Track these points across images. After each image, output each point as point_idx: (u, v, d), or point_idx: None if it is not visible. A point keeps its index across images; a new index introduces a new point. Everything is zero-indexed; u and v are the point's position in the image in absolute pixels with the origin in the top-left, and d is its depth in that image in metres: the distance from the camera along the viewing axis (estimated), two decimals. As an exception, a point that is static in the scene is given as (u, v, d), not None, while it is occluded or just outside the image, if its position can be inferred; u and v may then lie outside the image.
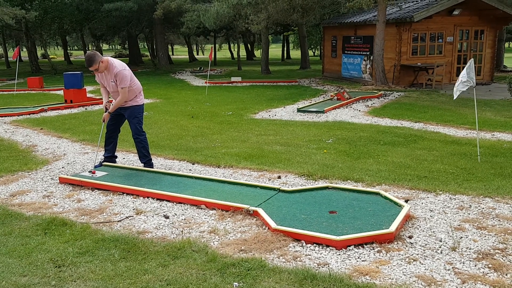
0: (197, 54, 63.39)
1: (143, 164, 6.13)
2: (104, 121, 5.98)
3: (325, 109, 10.86)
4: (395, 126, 8.95)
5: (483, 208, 4.47)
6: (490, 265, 3.33)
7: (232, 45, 52.72)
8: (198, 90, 16.72)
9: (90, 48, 62.29)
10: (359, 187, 5.15)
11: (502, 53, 23.81)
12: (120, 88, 5.73)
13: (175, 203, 4.78)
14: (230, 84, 18.87)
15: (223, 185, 5.26)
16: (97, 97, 14.07)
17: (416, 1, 17.67)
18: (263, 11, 17.22)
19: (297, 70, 27.57)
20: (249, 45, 47.26)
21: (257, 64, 32.33)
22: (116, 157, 6.43)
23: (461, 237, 3.82)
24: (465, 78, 6.09)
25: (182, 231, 4.06)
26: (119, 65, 5.77)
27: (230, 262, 3.41)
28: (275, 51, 56.44)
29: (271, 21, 18.75)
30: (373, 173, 5.72)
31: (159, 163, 6.46)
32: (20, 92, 16.78)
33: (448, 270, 3.28)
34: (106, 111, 5.93)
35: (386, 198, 4.62)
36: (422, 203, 4.65)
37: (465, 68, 6.18)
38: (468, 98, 12.02)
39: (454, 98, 6.32)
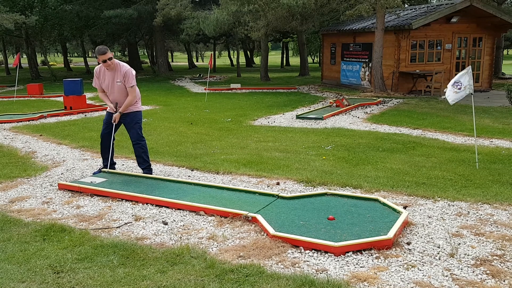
0: (197, 61, 63.57)
1: (142, 170, 6.14)
2: (115, 121, 5.89)
3: (324, 116, 10.89)
4: (393, 132, 8.98)
5: (481, 215, 4.48)
6: (488, 272, 3.33)
7: (231, 52, 52.90)
8: (198, 96, 16.76)
9: (90, 55, 62.39)
10: (358, 193, 5.16)
11: (501, 60, 23.92)
12: (129, 87, 5.74)
13: (174, 209, 4.78)
14: (230, 91, 18.91)
15: (222, 191, 5.27)
16: (97, 104, 14.10)
17: (415, 9, 17.79)
18: (263, 18, 17.30)
19: (296, 77, 27.65)
20: (248, 52, 47.42)
21: (257, 71, 32.43)
22: (115, 163, 6.44)
23: (459, 244, 3.83)
24: (460, 85, 6.11)
25: (180, 237, 4.06)
26: (126, 64, 5.82)
27: (229, 268, 3.41)
28: (274, 58, 56.62)
29: (270, 28, 18.83)
30: (371, 179, 5.73)
31: (158, 169, 6.47)
32: (20, 98, 16.81)
33: (446, 276, 3.29)
34: (115, 112, 5.88)
35: (384, 204, 4.63)
36: (421, 210, 4.66)
37: (458, 74, 6.22)
38: (466, 105, 12.06)
39: (451, 103, 6.32)
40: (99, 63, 5.84)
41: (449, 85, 6.24)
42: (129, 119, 6.00)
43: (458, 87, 6.15)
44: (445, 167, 6.29)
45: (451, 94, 6.20)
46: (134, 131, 6.02)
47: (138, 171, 6.32)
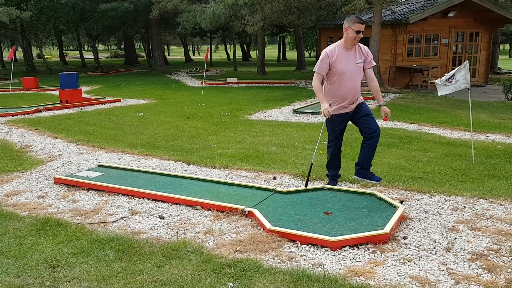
0: (193, 55, 63.34)
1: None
2: (326, 117, 4.88)
3: (320, 110, 10.85)
4: (390, 127, 8.98)
5: (477, 209, 4.50)
6: (484, 266, 3.34)
7: (228, 46, 52.73)
8: (194, 91, 16.71)
9: (86, 49, 61.79)
10: (354, 188, 5.17)
11: (497, 55, 23.98)
12: (370, 67, 4.69)
13: (170, 203, 4.77)
14: (226, 85, 18.86)
15: (219, 185, 5.26)
16: (93, 98, 14.04)
17: (412, 3, 17.75)
18: (259, 12, 17.23)
19: (293, 71, 27.61)
20: (245, 46, 47.27)
21: (253, 65, 32.35)
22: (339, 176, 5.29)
23: (455, 238, 3.84)
24: (452, 80, 6.13)
25: (177, 232, 4.06)
26: None
27: (225, 262, 3.41)
28: (271, 52, 56.51)
29: (267, 22, 18.75)
30: (368, 174, 5.72)
31: (155, 163, 6.45)
32: (15, 92, 16.71)
33: (442, 270, 3.30)
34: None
35: (381, 199, 4.64)
36: (417, 204, 4.67)
37: (455, 69, 6.22)
38: (462, 100, 12.07)
39: (439, 95, 6.32)
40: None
41: (443, 79, 6.23)
42: (365, 107, 5.00)
43: (450, 81, 6.17)
44: (442, 162, 6.30)
45: (441, 86, 6.21)
46: (373, 119, 4.97)
47: (134, 165, 6.31)
